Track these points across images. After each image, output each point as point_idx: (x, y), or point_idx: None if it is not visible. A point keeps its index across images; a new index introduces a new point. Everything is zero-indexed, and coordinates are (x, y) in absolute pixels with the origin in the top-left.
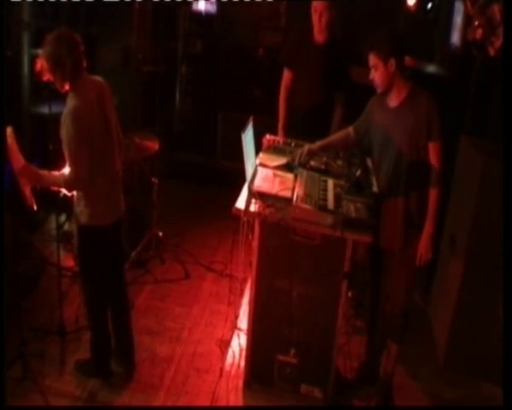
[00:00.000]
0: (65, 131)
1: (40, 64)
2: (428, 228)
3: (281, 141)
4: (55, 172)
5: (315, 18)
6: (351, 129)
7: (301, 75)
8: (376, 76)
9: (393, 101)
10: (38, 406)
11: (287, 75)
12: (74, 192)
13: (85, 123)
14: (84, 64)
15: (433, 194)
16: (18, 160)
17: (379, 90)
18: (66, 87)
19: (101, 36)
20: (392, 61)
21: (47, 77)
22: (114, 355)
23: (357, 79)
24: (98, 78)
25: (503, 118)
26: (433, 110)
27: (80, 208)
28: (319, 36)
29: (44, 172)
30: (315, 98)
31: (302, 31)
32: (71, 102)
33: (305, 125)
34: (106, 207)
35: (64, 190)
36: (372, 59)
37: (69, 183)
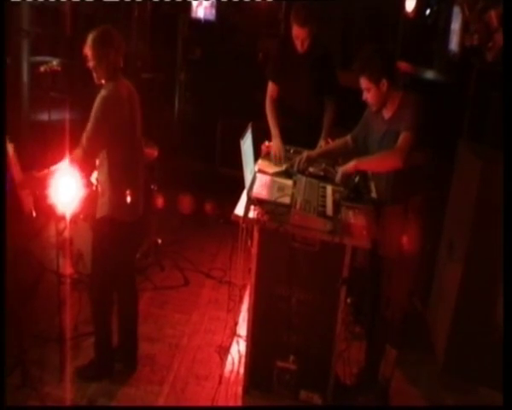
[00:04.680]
0: (94, 110)
1: (87, 50)
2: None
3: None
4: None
5: (297, 42)
6: (349, 137)
7: (288, 85)
8: (369, 97)
9: (387, 112)
10: (37, 406)
11: (271, 87)
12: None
13: (115, 112)
14: (121, 63)
15: (384, 154)
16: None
17: (373, 109)
18: (103, 80)
19: None
20: (384, 82)
21: (91, 64)
22: (117, 354)
23: (345, 82)
24: (128, 81)
25: (504, 115)
26: (413, 105)
27: (105, 199)
28: (301, 49)
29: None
30: (305, 106)
31: (283, 42)
32: (107, 88)
33: (299, 133)
34: (129, 204)
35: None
36: (363, 82)
37: (76, 156)
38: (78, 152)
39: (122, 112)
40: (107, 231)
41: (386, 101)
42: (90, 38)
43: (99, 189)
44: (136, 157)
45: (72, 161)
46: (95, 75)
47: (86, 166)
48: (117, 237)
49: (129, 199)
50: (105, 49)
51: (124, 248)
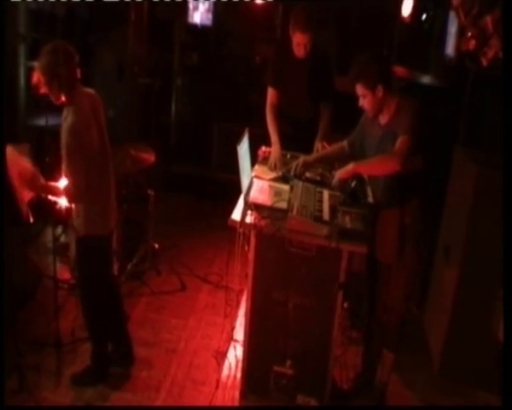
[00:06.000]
0: (64, 145)
1: (36, 77)
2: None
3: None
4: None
5: (299, 48)
6: (345, 143)
7: (287, 90)
8: (365, 103)
9: (384, 118)
10: (37, 406)
11: (271, 93)
12: (72, 205)
13: (84, 138)
14: (79, 75)
15: (382, 157)
16: (23, 168)
17: (370, 115)
18: (62, 99)
19: (97, 48)
20: (380, 88)
21: (43, 90)
22: (113, 357)
23: (341, 88)
24: (90, 90)
25: (504, 119)
26: (410, 109)
27: (80, 220)
28: (303, 55)
29: (49, 183)
30: (302, 111)
31: (281, 46)
32: (69, 116)
33: (297, 138)
34: (104, 217)
35: (63, 202)
36: (359, 89)
37: (69, 194)
38: (69, 191)
39: (91, 135)
40: (88, 249)
41: (383, 106)
42: (37, 64)
43: (73, 210)
44: (105, 168)
45: (70, 200)
46: (52, 98)
47: (81, 197)
48: (98, 251)
49: (103, 213)
50: (53, 69)
51: (104, 259)
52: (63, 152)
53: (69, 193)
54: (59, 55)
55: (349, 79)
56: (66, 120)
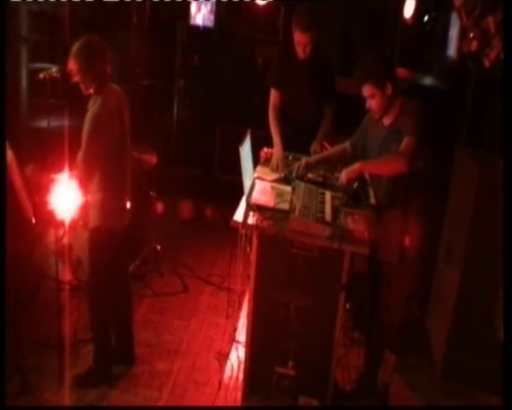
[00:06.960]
0: (85, 131)
1: (71, 66)
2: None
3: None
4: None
5: (299, 48)
6: (347, 144)
7: (289, 92)
8: (374, 104)
9: (388, 119)
10: (37, 406)
11: (274, 94)
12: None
13: (106, 128)
14: (109, 71)
15: (389, 157)
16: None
17: (377, 116)
18: (91, 90)
19: None
20: (389, 86)
21: (76, 78)
22: (115, 356)
23: (343, 89)
24: (117, 87)
25: (504, 120)
26: (414, 110)
27: (95, 211)
28: (303, 55)
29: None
30: (305, 112)
31: (285, 48)
32: (96, 105)
33: (300, 140)
34: (118, 211)
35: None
36: (368, 89)
37: (77, 177)
38: (77, 173)
39: (113, 126)
40: (100, 241)
41: (389, 107)
42: (73, 52)
43: (89, 200)
44: (125, 164)
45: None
46: (82, 87)
47: (87, 184)
48: (110, 244)
49: (119, 207)
50: (90, 60)
51: (117, 254)
52: (83, 139)
53: (77, 177)
54: (96, 48)
55: (355, 81)
56: (93, 107)
